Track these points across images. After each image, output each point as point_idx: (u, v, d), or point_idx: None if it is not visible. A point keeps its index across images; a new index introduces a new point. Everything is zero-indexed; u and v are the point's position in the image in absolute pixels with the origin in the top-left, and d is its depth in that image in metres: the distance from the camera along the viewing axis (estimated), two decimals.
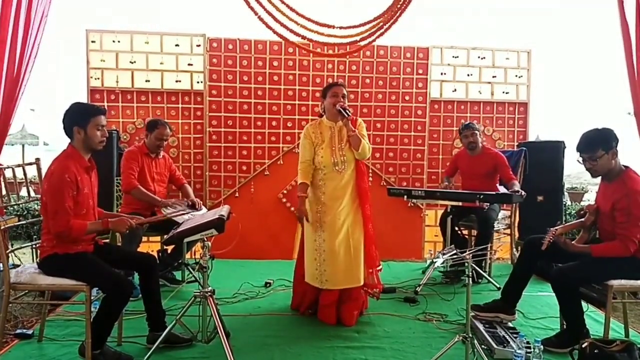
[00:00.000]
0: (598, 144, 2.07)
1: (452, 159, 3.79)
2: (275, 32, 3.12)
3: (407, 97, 4.12)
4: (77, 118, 1.97)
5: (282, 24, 3.07)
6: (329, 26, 3.17)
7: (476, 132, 3.39)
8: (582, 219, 2.27)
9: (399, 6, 3.17)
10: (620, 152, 2.12)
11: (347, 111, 2.43)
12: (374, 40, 3.39)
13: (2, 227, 2.46)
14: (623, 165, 2.14)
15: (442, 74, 4.16)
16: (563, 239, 2.11)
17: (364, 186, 2.55)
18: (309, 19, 3.11)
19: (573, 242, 2.24)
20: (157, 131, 3.00)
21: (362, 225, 2.51)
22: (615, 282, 2.12)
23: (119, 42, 3.87)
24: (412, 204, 4.07)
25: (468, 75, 4.18)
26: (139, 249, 2.76)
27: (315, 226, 2.50)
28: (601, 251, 2.10)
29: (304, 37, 3.24)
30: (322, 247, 2.48)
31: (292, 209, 3.98)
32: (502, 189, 3.31)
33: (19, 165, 2.53)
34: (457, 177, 3.95)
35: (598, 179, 2.26)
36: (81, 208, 1.96)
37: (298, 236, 2.67)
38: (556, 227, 2.13)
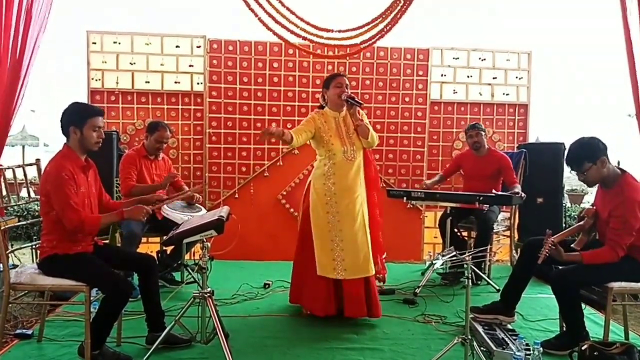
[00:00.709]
0: (583, 158, 2.08)
1: (454, 159, 3.76)
2: (275, 33, 3.13)
3: (407, 99, 4.12)
4: (74, 118, 1.97)
5: (282, 26, 3.08)
6: (327, 30, 3.19)
7: (481, 132, 3.41)
8: (581, 223, 2.27)
9: (398, 8, 3.18)
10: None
11: (357, 100, 2.42)
12: (374, 43, 3.40)
13: (2, 228, 2.47)
14: (619, 169, 2.14)
15: (442, 75, 4.16)
16: (555, 248, 2.09)
17: (371, 174, 2.57)
18: (308, 23, 3.12)
19: (572, 245, 2.23)
20: (158, 133, 3.00)
21: (371, 212, 2.54)
22: (616, 285, 2.12)
23: (119, 43, 3.87)
24: (411, 206, 4.07)
25: (468, 76, 4.18)
26: (138, 250, 2.76)
27: (327, 216, 2.47)
28: (591, 258, 2.10)
29: (304, 39, 3.25)
30: (339, 236, 2.46)
31: (292, 210, 3.98)
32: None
33: (19, 166, 2.54)
34: (458, 178, 3.95)
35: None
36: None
37: None
38: (553, 238, 2.09)
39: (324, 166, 2.52)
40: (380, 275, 2.62)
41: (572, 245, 2.23)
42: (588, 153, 2.08)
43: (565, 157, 2.16)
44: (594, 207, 2.26)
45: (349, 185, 2.48)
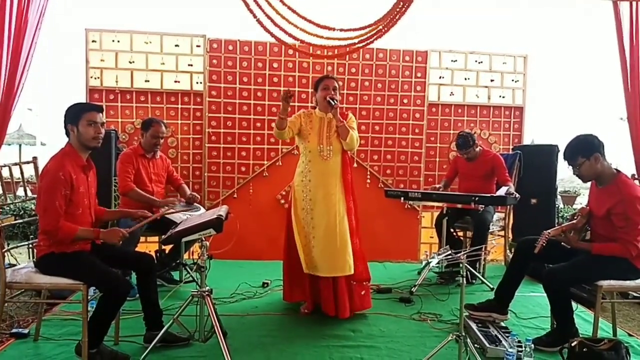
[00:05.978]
0: (577, 153, 2.16)
1: (451, 163, 3.81)
2: (273, 35, 3.14)
3: (405, 100, 4.16)
4: (70, 116, 1.99)
5: (281, 28, 3.09)
6: (329, 28, 3.20)
7: (462, 150, 3.37)
8: (574, 221, 2.31)
9: (398, 9, 3.20)
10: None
11: (335, 101, 2.50)
12: (371, 42, 3.41)
13: None
14: (615, 169, 2.18)
15: (440, 77, 4.20)
16: (567, 234, 2.20)
17: (346, 177, 2.61)
18: (309, 21, 3.13)
19: (563, 243, 2.28)
20: (153, 129, 2.99)
21: (347, 216, 2.57)
22: (605, 283, 2.16)
23: (118, 41, 3.88)
24: (408, 206, 4.11)
25: (466, 79, 4.23)
26: (137, 249, 2.78)
27: (303, 213, 2.56)
28: (602, 250, 2.16)
29: (302, 42, 3.26)
30: (313, 233, 2.54)
31: None
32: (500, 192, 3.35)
33: (15, 164, 2.52)
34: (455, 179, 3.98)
35: (589, 183, 2.31)
36: (76, 207, 1.96)
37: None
38: (549, 231, 2.19)
39: (303, 164, 2.62)
40: (366, 282, 2.68)
41: (562, 244, 2.27)
42: (583, 148, 2.15)
43: (563, 152, 2.23)
44: (588, 207, 2.31)
45: (323, 184, 2.55)
